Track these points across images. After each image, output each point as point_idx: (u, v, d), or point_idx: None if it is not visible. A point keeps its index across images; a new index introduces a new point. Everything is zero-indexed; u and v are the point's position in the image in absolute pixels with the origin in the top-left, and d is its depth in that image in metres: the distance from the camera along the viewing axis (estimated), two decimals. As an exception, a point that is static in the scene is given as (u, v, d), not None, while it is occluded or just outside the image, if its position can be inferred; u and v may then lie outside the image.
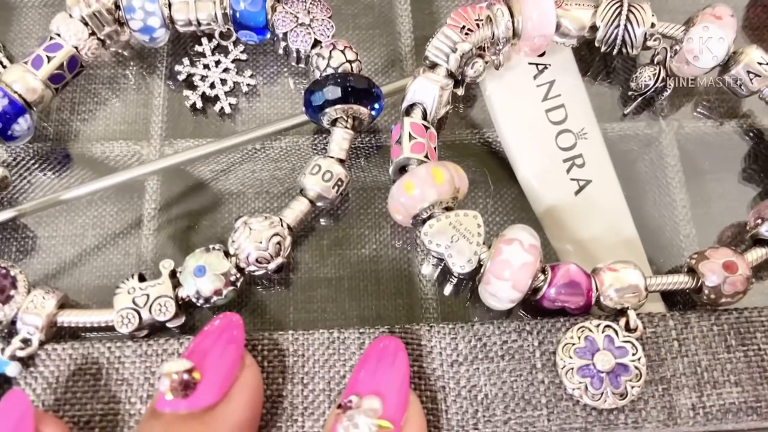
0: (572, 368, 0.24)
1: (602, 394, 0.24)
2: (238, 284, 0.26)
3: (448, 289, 0.29)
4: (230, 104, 0.32)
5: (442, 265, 0.27)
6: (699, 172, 0.32)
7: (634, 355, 0.24)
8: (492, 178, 0.32)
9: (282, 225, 0.27)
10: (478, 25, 0.30)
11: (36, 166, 0.32)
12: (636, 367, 0.24)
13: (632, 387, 0.24)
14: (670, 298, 0.28)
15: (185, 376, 0.22)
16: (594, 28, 0.30)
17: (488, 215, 0.31)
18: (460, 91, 0.30)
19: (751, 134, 0.32)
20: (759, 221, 0.27)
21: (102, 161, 0.32)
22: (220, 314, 0.25)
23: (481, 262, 0.26)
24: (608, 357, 0.24)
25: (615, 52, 0.30)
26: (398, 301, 0.29)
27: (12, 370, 0.24)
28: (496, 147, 0.32)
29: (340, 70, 0.29)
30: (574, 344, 0.25)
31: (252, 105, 0.33)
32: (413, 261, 0.30)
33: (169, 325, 0.26)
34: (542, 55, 0.32)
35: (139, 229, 0.31)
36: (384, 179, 0.31)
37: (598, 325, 0.25)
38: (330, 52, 0.29)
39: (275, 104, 0.33)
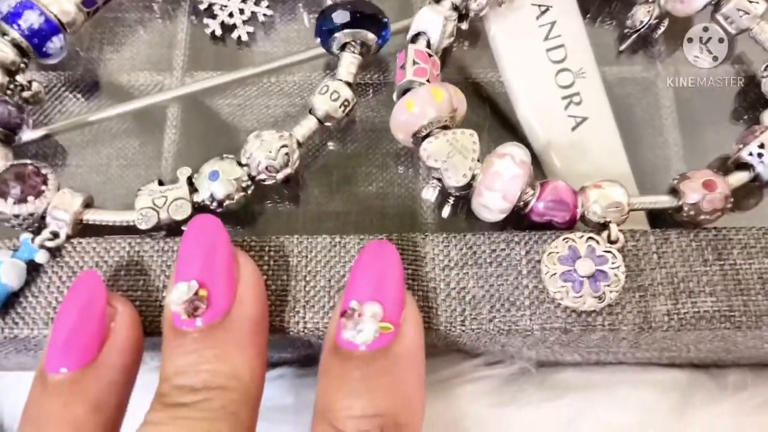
0: (555, 273, 0.26)
1: (582, 296, 0.26)
2: (249, 191, 0.28)
3: (446, 211, 0.31)
4: (247, 32, 0.34)
5: (441, 186, 0.29)
6: (693, 112, 0.33)
7: (613, 263, 0.26)
8: (493, 118, 0.33)
9: (291, 139, 0.29)
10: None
11: (66, 92, 0.34)
12: (615, 275, 0.26)
13: (610, 291, 0.26)
14: (656, 224, 0.30)
15: (194, 300, 0.23)
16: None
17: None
18: (464, 26, 0.32)
19: (742, 74, 0.33)
20: (741, 146, 0.28)
21: (127, 90, 0.34)
22: (193, 218, 0.26)
23: (475, 178, 0.27)
24: (589, 263, 0.26)
25: (612, -9, 0.32)
26: (402, 233, 0.31)
27: (41, 257, 0.27)
28: (498, 88, 0.34)
29: (349, -1, 0.30)
30: (558, 253, 0.26)
31: (268, 35, 0.35)
32: (416, 198, 0.31)
33: (184, 227, 0.28)
34: (544, -5, 0.34)
35: (159, 159, 0.33)
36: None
37: (581, 237, 0.26)
38: (341, -18, 0.30)
39: (290, 36, 0.35)
